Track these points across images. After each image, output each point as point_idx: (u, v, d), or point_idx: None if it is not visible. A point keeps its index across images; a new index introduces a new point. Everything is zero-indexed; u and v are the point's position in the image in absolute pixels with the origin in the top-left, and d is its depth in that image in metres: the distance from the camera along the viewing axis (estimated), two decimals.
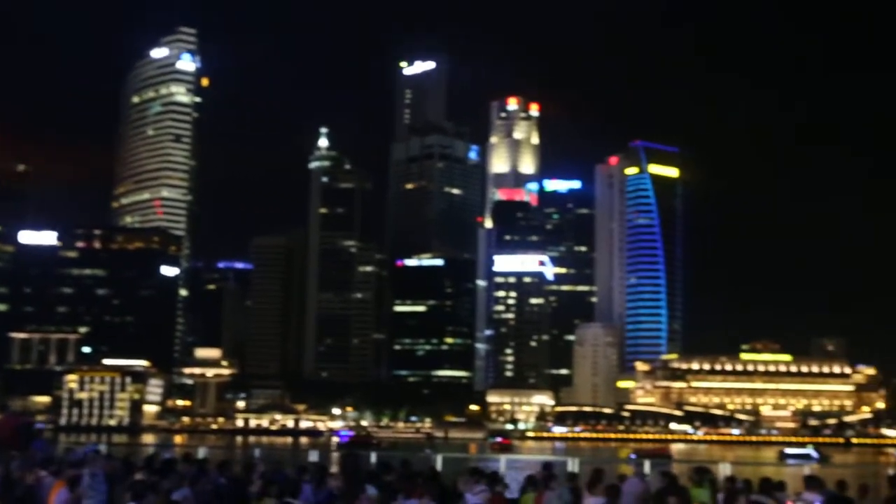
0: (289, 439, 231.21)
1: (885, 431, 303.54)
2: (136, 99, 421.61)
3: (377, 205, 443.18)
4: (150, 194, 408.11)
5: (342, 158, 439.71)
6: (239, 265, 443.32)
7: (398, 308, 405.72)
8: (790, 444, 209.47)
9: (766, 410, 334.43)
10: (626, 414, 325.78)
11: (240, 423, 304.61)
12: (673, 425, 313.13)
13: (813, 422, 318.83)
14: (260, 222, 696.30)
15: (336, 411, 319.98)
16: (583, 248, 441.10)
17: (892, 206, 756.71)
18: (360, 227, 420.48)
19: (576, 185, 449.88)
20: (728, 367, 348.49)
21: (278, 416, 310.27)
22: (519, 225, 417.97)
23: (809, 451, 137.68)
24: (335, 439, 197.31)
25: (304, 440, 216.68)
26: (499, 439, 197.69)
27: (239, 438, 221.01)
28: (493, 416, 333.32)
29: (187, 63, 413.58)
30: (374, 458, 30.50)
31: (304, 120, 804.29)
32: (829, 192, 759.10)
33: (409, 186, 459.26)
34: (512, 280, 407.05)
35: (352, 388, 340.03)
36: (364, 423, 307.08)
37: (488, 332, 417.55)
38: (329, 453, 53.55)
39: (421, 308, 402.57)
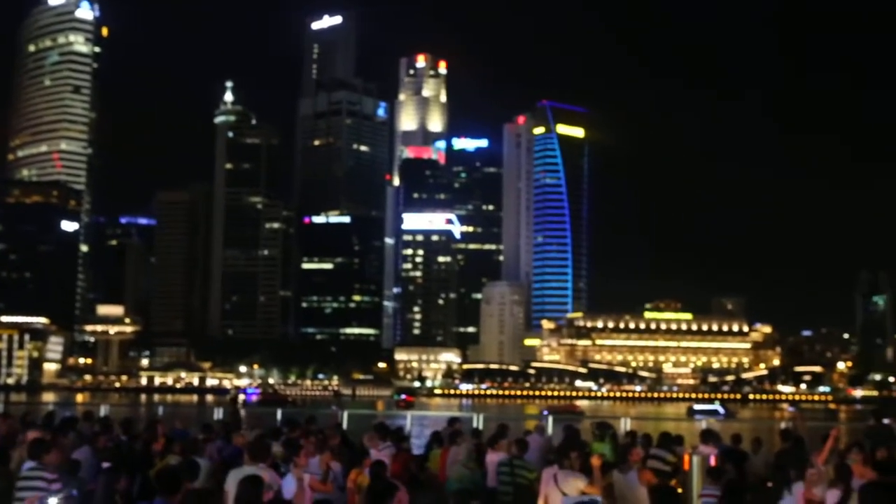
0: (194, 397, 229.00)
1: (780, 388, 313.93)
2: (32, 47, 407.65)
3: (284, 161, 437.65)
4: (48, 147, 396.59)
5: (248, 113, 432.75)
6: (142, 221, 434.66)
7: (305, 265, 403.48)
8: (691, 401, 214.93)
9: (667, 368, 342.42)
10: (532, 371, 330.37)
11: (144, 381, 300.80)
12: (578, 382, 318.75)
13: (712, 378, 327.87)
14: (164, 177, 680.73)
15: (242, 369, 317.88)
16: (490, 207, 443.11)
17: (792, 169, 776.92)
18: (267, 183, 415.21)
19: (483, 143, 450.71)
20: (631, 326, 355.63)
21: (183, 375, 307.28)
22: (427, 183, 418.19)
23: (717, 407, 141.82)
24: (242, 397, 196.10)
25: (209, 398, 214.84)
26: (403, 397, 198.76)
27: (143, 397, 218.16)
28: (401, 374, 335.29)
29: (86, 11, 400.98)
30: (279, 414, 30.48)
31: (209, 73, 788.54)
32: (734, 155, 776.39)
33: (317, 143, 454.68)
34: (420, 238, 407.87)
35: (258, 346, 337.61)
36: (271, 380, 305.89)
37: (396, 290, 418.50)
38: (238, 411, 53.14)
39: (328, 265, 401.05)
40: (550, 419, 25.73)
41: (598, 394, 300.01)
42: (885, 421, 26.14)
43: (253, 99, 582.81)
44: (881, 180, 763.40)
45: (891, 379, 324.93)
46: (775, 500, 16.11)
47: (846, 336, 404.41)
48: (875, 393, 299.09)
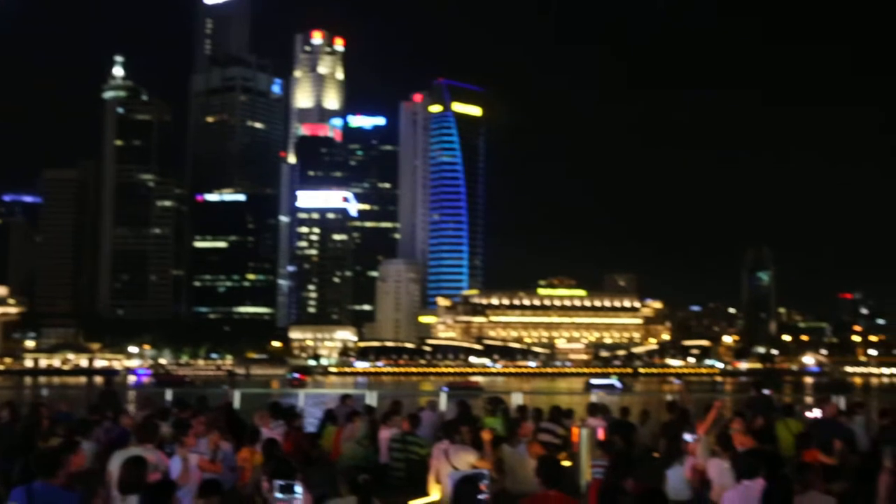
0: (83, 379, 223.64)
1: (670, 361, 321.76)
2: None
3: (176, 138, 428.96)
4: None
5: (139, 89, 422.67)
6: (27, 198, 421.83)
7: (198, 244, 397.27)
8: (584, 376, 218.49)
9: (561, 343, 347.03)
10: (427, 348, 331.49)
11: (29, 363, 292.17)
12: (473, 359, 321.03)
13: (604, 353, 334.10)
14: (50, 154, 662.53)
15: (133, 349, 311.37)
16: (386, 185, 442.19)
17: (678, 143, 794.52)
18: (159, 160, 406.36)
19: (380, 121, 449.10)
20: (526, 302, 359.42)
21: (71, 356, 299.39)
22: (323, 161, 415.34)
23: (614, 381, 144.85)
24: (132, 378, 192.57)
25: (98, 380, 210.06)
26: (296, 375, 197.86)
27: (28, 379, 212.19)
28: (296, 353, 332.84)
29: None
30: (169, 395, 30.00)
31: (99, 48, 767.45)
32: (630, 133, 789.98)
33: (210, 119, 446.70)
34: (315, 216, 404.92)
35: (149, 326, 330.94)
36: (162, 361, 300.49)
37: (291, 269, 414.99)
38: (125, 392, 52.27)
39: (222, 244, 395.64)
40: (444, 395, 25.89)
41: (493, 370, 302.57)
42: (766, 392, 27.04)
43: (144, 74, 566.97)
44: (766, 160, 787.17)
45: (774, 352, 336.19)
46: (663, 469, 16.52)
47: (732, 311, 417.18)
48: (759, 365, 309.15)
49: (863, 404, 25.30)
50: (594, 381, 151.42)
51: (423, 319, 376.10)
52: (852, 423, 20.11)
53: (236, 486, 15.58)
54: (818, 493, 10.62)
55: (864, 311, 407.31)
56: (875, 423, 20.98)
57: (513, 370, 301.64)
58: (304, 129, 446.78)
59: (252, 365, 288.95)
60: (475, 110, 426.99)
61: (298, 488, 9.36)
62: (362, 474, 10.85)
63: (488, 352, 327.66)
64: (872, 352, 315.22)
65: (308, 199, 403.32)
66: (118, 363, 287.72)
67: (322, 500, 10.83)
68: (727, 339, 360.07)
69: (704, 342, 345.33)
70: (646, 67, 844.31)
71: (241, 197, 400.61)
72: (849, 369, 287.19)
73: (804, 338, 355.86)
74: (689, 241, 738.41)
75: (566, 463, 17.37)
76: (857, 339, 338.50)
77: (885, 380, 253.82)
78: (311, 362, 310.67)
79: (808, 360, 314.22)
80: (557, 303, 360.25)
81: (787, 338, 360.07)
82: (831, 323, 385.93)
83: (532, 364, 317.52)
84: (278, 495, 9.39)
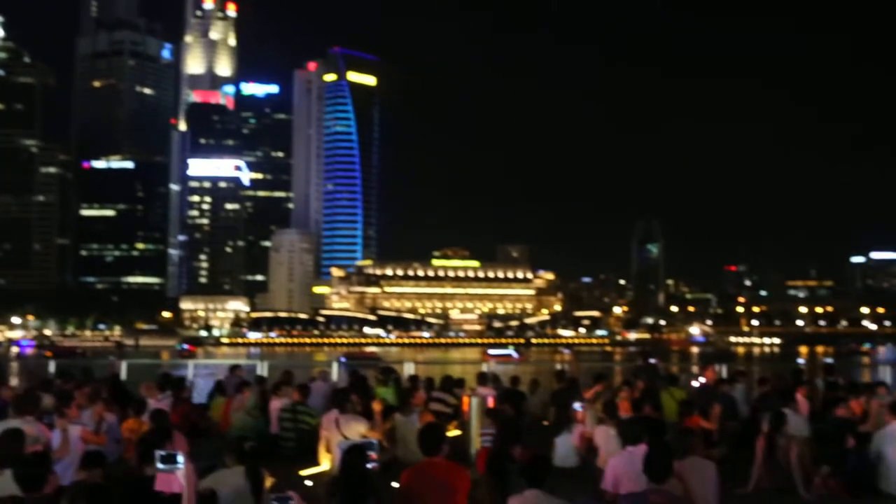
0: None
1: (561, 332, 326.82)
2: None
3: (61, 102, 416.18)
4: None
5: (21, 51, 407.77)
6: None
7: (85, 212, 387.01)
8: (478, 346, 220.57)
9: (454, 314, 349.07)
10: (321, 319, 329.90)
11: None
12: (367, 329, 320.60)
13: (497, 324, 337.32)
14: None
15: (16, 320, 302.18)
16: (280, 154, 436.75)
17: (570, 116, 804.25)
18: (42, 125, 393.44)
19: (273, 89, 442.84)
20: (420, 273, 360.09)
21: None
22: (214, 128, 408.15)
23: (511, 351, 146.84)
24: (14, 349, 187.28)
25: None
26: (186, 346, 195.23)
27: None
28: (187, 323, 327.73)
29: None
30: (52, 366, 29.27)
31: None
32: (524, 105, 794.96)
33: (97, 84, 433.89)
34: (207, 185, 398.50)
35: (33, 296, 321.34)
36: (47, 332, 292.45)
37: (182, 238, 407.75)
38: (7, 363, 50.91)
39: (110, 212, 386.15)
40: (336, 366, 25.84)
41: (387, 340, 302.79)
42: (651, 361, 27.72)
43: (27, 36, 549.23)
44: (660, 134, 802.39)
45: (662, 322, 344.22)
46: (552, 437, 16.81)
47: (622, 282, 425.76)
48: (647, 335, 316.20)
49: (744, 373, 26.14)
50: (491, 350, 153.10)
51: (317, 290, 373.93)
52: (733, 390, 20.75)
53: (122, 458, 15.34)
54: (698, 458, 10.92)
55: (748, 283, 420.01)
56: (755, 390, 21.66)
57: (407, 340, 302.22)
58: (195, 96, 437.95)
59: (141, 336, 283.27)
60: (370, 80, 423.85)
61: (181, 458, 9.21)
62: (248, 442, 10.75)
63: (382, 322, 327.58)
64: (755, 322, 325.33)
65: (199, 167, 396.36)
66: (0, 334, 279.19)
67: (209, 471, 10.71)
68: (617, 310, 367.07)
69: (595, 313, 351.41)
70: (540, 42, 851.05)
71: (129, 164, 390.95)
72: (733, 339, 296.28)
73: (691, 309, 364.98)
74: (581, 213, 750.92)
75: (456, 432, 17.54)
76: (740, 310, 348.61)
77: (766, 349, 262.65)
78: (203, 333, 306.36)
79: (695, 330, 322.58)
80: (451, 274, 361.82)
81: (674, 309, 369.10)
82: (717, 294, 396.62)
83: (426, 334, 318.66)
84: (160, 465, 9.23)
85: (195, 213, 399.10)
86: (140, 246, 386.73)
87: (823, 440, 15.21)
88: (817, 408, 19.06)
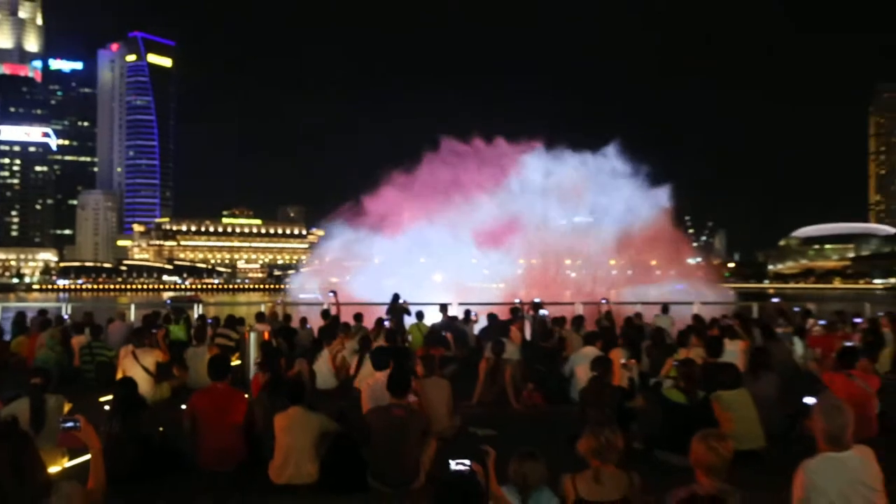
0: None
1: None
2: None
3: None
4: None
5: None
6: None
7: None
8: (260, 291, 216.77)
9: (241, 264, 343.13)
10: (124, 268, 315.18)
11: None
12: (165, 277, 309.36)
13: (277, 273, 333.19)
14: None
15: None
16: (86, 124, 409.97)
17: (332, 83, 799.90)
18: None
19: (78, 66, 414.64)
20: (211, 229, 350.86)
21: None
22: (24, 99, 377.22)
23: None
24: None
25: None
26: None
27: None
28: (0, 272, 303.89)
29: None
30: None
31: None
32: (288, 74, 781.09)
33: None
34: (17, 149, 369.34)
35: None
36: None
37: None
38: None
39: None
40: (133, 307, 24.70)
41: (182, 286, 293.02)
42: (401, 301, 27.98)
43: None
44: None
45: None
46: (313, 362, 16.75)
47: None
48: None
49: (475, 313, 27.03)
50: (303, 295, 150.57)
51: (121, 243, 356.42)
52: (467, 326, 21.58)
53: None
54: (436, 378, 11.32)
55: None
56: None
57: (200, 286, 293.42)
58: (4, 69, 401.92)
59: None
60: (167, 62, 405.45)
61: None
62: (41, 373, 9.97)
63: (178, 271, 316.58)
64: None
65: (9, 133, 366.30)
66: None
67: (12, 400, 9.95)
68: None
69: None
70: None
71: None
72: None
73: None
74: (348, 176, 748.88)
75: (237, 361, 17.23)
76: None
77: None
78: (14, 280, 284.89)
79: None
80: (238, 230, 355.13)
81: None
82: None
83: (216, 281, 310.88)
84: None
85: (6, 174, 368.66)
86: None
87: (531, 363, 16.01)
88: (528, 338, 20.13)
